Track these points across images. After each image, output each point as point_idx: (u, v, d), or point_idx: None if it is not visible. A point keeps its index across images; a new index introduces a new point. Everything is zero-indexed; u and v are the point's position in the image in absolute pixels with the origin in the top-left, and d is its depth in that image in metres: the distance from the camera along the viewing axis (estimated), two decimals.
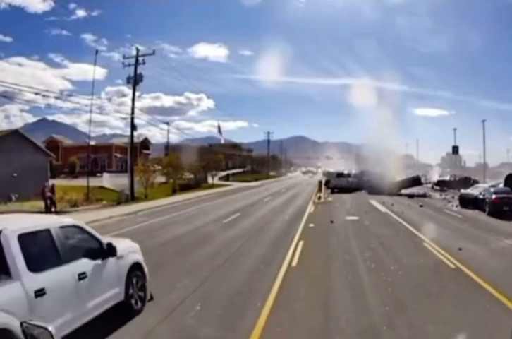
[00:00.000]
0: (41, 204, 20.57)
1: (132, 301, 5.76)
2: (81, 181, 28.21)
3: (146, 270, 6.28)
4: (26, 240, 4.17)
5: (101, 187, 29.62)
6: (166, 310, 5.85)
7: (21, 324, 2.06)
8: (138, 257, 6.25)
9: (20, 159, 23.73)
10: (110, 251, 5.35)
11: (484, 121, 44.34)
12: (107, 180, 32.22)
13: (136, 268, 6.03)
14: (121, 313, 5.50)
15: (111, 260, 5.39)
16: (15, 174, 23.06)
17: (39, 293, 4.00)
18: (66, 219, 5.48)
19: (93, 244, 5.30)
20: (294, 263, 8.79)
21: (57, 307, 4.28)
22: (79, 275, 4.69)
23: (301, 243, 11.04)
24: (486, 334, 4.92)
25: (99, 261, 5.15)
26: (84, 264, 4.89)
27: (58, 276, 4.41)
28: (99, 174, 36.17)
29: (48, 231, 4.56)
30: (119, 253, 5.49)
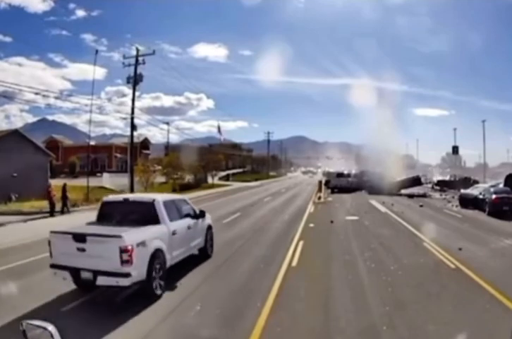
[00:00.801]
0: (40, 203, 20.59)
1: (208, 249, 9.37)
2: (81, 181, 28.18)
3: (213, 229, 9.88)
4: (166, 205, 7.59)
5: (101, 187, 29.63)
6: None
7: (21, 324, 2.05)
8: (211, 221, 9.87)
9: (20, 159, 23.72)
10: (201, 214, 8.97)
11: (484, 121, 44.30)
12: (107, 180, 32.23)
13: (209, 227, 9.64)
14: (201, 257, 8.99)
15: (200, 220, 8.96)
16: (15, 174, 23.04)
17: (174, 233, 7.40)
18: (179, 196, 10.48)
19: (192, 210, 8.84)
20: (294, 263, 8.80)
21: (179, 243, 7.62)
22: (188, 226, 8.25)
23: (301, 243, 11.04)
24: (486, 334, 4.92)
25: (195, 220, 8.69)
26: (190, 220, 8.44)
27: (181, 225, 7.87)
28: (99, 174, 36.19)
29: (173, 201, 8.32)
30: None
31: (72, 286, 6.69)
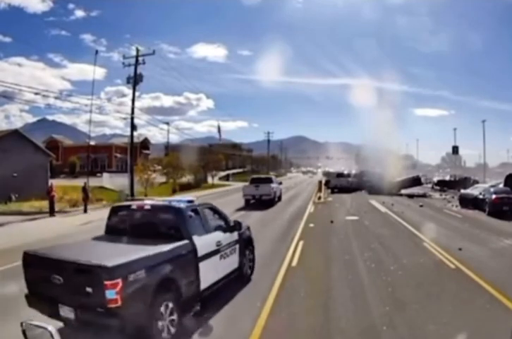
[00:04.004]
0: (40, 203, 20.61)
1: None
2: (81, 181, 28.12)
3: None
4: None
5: (101, 187, 29.63)
6: None
7: (21, 324, 2.05)
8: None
9: (20, 159, 23.73)
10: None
11: (484, 121, 44.40)
12: (107, 180, 32.24)
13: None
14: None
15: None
16: (15, 174, 23.05)
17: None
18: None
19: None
20: (294, 263, 8.80)
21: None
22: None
23: (301, 243, 11.05)
24: (486, 334, 4.92)
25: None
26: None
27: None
28: (99, 174, 36.20)
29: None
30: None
31: None
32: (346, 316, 5.67)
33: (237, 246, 7.05)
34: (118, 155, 53.41)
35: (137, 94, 28.86)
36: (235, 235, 7.02)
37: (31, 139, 27.38)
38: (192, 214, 6.10)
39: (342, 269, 8.40)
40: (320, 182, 34.72)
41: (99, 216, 17.90)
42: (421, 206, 22.30)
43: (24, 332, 1.99)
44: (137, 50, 28.21)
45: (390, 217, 17.30)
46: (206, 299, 5.73)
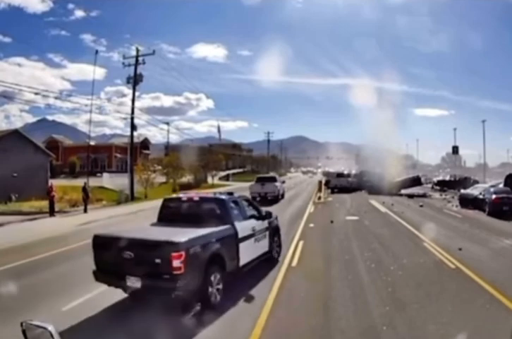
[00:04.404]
0: (40, 203, 20.61)
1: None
2: (81, 181, 28.13)
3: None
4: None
5: (101, 187, 29.60)
6: None
7: (21, 324, 2.05)
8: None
9: (20, 159, 23.73)
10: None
11: (484, 121, 44.45)
12: (107, 180, 32.20)
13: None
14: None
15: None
16: (15, 174, 23.05)
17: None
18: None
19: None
20: (294, 263, 8.79)
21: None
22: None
23: (301, 243, 11.04)
24: (486, 334, 4.92)
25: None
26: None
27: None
28: (99, 174, 36.16)
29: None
30: None
31: None
32: (346, 316, 5.67)
33: (267, 233, 8.25)
34: (118, 155, 53.40)
35: (137, 94, 28.96)
36: (265, 223, 8.24)
37: (31, 139, 27.36)
38: (233, 204, 7.38)
39: (342, 269, 8.40)
40: (320, 182, 34.73)
41: (99, 216, 17.96)
42: (421, 206, 22.30)
43: (24, 332, 1.99)
44: (137, 50, 28.29)
45: (390, 217, 17.30)
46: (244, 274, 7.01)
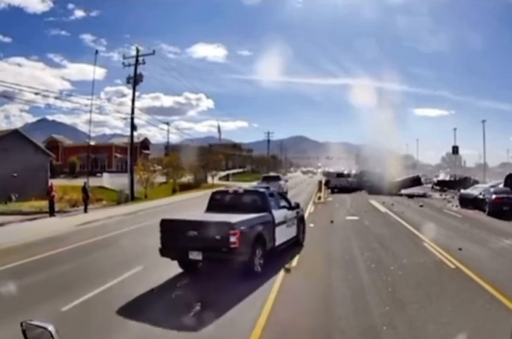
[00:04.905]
0: (40, 203, 20.60)
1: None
2: (81, 181, 28.12)
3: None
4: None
5: (101, 187, 29.60)
6: None
7: (21, 324, 2.05)
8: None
9: (20, 159, 23.72)
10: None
11: (484, 121, 44.45)
12: (107, 180, 32.18)
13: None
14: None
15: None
16: (15, 174, 23.05)
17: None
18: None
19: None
20: (294, 263, 8.78)
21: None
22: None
23: None
24: (486, 334, 4.92)
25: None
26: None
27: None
28: (99, 174, 36.14)
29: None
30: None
31: None
32: (346, 316, 5.67)
33: (295, 221, 9.98)
34: (118, 155, 53.39)
35: (137, 94, 28.99)
36: (294, 213, 9.97)
37: (31, 139, 27.34)
38: (270, 196, 9.00)
39: (342, 269, 8.39)
40: (320, 182, 34.72)
41: (99, 216, 17.96)
42: (421, 206, 22.30)
43: (24, 332, 1.99)
44: (137, 50, 28.30)
45: (390, 217, 17.30)
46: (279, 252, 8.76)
